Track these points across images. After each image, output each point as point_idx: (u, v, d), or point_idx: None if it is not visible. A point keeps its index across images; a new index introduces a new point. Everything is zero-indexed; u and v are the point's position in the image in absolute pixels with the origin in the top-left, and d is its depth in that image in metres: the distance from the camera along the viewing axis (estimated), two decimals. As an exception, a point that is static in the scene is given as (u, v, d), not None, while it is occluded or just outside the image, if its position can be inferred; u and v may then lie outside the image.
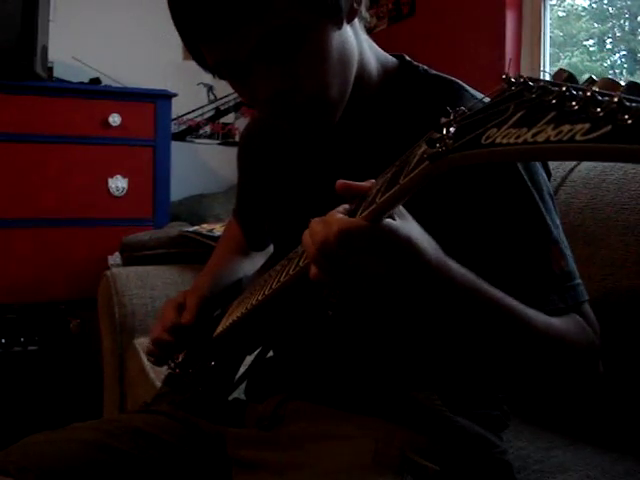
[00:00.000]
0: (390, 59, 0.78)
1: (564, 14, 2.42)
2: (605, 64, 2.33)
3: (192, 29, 0.64)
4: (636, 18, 2.27)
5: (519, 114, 0.37)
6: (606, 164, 1.04)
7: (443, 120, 0.44)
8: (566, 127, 0.33)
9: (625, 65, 2.31)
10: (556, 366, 0.64)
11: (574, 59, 2.39)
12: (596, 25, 2.41)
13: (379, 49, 0.78)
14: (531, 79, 0.38)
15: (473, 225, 0.67)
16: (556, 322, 0.63)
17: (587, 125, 0.32)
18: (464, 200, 0.67)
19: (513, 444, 0.90)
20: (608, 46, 2.37)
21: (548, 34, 2.22)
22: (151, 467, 0.71)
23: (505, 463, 0.76)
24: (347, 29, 0.69)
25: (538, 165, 0.69)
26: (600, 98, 0.33)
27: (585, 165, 1.08)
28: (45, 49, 2.45)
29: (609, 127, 0.32)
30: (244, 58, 0.64)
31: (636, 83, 0.33)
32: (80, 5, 2.86)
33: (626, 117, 0.31)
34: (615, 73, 2.27)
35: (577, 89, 0.34)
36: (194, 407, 0.82)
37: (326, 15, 0.65)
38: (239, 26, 0.62)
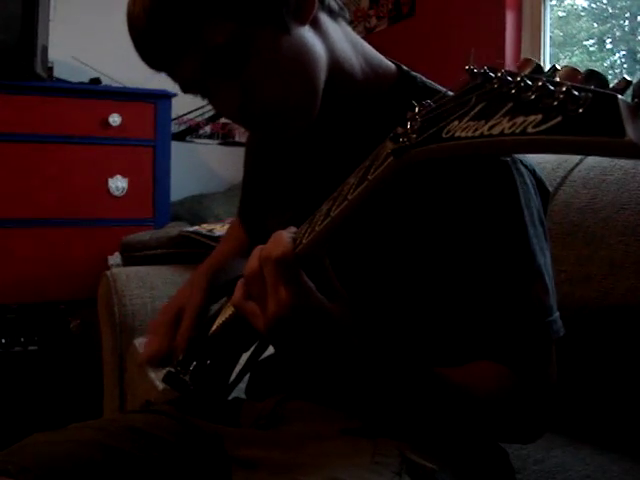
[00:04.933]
0: (385, 62, 0.77)
1: (564, 14, 2.42)
2: (605, 64, 2.33)
3: (148, 62, 0.68)
4: (636, 18, 2.27)
5: (480, 106, 0.36)
6: (606, 164, 1.04)
7: (409, 114, 0.43)
8: (520, 119, 0.33)
9: (625, 65, 2.31)
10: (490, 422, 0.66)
11: (574, 59, 2.39)
12: (596, 25, 2.41)
13: (371, 49, 0.77)
14: (491, 69, 0.37)
15: (458, 241, 0.67)
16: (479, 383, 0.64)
17: (539, 116, 0.32)
18: (455, 215, 0.67)
19: (513, 444, 0.90)
20: (608, 46, 2.37)
21: (548, 34, 2.21)
22: (151, 467, 0.71)
23: (505, 463, 0.76)
24: (302, 31, 0.67)
25: (532, 190, 0.68)
26: (552, 88, 0.32)
27: (585, 165, 1.08)
28: (45, 49, 2.45)
29: (559, 118, 0.31)
30: (197, 80, 0.67)
31: (594, 71, 0.32)
32: (80, 5, 2.85)
33: (576, 107, 0.30)
34: (615, 73, 2.27)
35: (532, 79, 0.33)
36: (191, 406, 0.82)
37: (265, 23, 0.64)
38: (182, 53, 0.65)
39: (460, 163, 0.65)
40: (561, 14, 2.41)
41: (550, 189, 1.09)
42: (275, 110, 0.68)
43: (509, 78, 0.35)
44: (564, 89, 0.31)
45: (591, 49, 2.42)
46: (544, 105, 0.32)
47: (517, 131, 0.33)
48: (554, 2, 2.28)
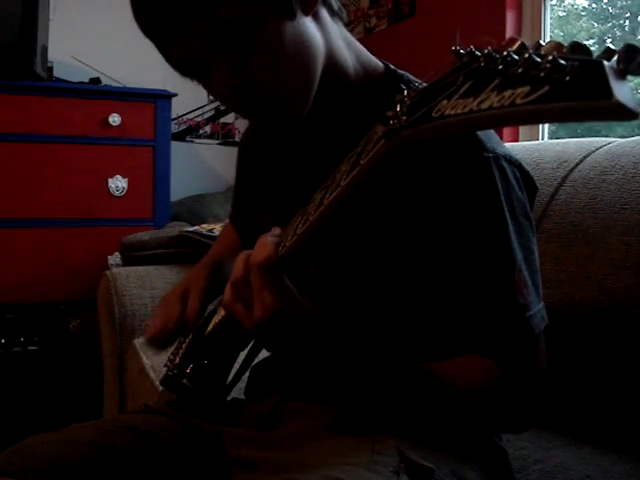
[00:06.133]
0: (374, 61, 0.78)
1: (564, 14, 2.42)
2: (605, 64, 2.33)
3: (149, 31, 0.67)
4: (636, 18, 2.27)
5: (468, 84, 0.37)
6: (606, 164, 1.04)
7: (397, 97, 0.44)
8: (508, 92, 0.33)
9: (625, 65, 2.31)
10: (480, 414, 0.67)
11: (574, 59, 2.39)
12: (596, 25, 2.41)
13: (362, 48, 0.78)
14: (477, 49, 0.38)
15: (439, 237, 0.68)
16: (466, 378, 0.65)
17: (527, 88, 0.32)
18: (435, 211, 0.67)
19: (513, 444, 0.90)
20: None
21: (548, 34, 2.22)
22: (151, 467, 0.71)
23: (503, 462, 0.76)
24: (305, 21, 0.68)
25: (515, 185, 0.69)
26: (538, 60, 0.32)
27: (585, 165, 1.08)
28: (45, 49, 2.45)
29: (547, 87, 0.31)
30: (198, 55, 0.66)
31: (578, 43, 0.33)
32: (80, 5, 2.86)
33: (563, 75, 0.31)
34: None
35: (519, 54, 0.34)
36: (190, 407, 0.82)
37: (274, 7, 0.65)
38: (188, 24, 0.64)
39: (441, 160, 0.66)
40: (561, 14, 2.41)
41: (550, 189, 1.09)
42: (271, 94, 0.68)
43: (495, 55, 0.35)
44: (550, 59, 0.31)
45: (591, 49, 2.42)
46: (531, 77, 0.32)
47: (506, 104, 0.33)
48: (554, 2, 2.28)
